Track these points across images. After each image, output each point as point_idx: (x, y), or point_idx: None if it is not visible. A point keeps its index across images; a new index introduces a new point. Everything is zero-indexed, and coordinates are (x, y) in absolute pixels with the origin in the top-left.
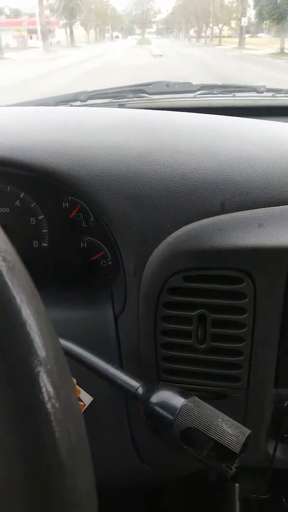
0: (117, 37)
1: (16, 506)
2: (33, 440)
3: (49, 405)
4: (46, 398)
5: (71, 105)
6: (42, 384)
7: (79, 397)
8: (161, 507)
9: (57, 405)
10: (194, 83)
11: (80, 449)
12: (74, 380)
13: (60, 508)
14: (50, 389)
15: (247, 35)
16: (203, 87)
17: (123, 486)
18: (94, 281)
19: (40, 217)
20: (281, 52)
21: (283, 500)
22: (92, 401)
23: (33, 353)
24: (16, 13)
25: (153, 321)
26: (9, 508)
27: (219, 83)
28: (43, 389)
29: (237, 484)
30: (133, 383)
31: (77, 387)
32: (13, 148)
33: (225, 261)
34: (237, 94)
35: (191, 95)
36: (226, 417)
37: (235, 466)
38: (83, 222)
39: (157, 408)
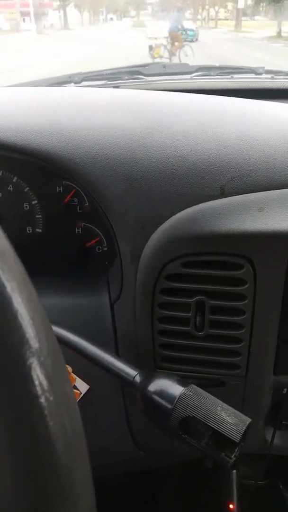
0: (111, 19)
1: (12, 503)
2: (27, 435)
3: (42, 399)
4: (40, 391)
5: (65, 87)
6: (35, 377)
7: (75, 385)
8: (159, 494)
9: (51, 398)
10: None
11: (76, 443)
12: (70, 368)
13: (57, 503)
14: (44, 382)
15: (243, 18)
16: (200, 68)
17: (121, 473)
18: (89, 268)
19: (33, 202)
20: (278, 35)
21: (280, 486)
22: (89, 389)
23: (25, 344)
24: None
25: (150, 308)
26: (5, 505)
27: (217, 64)
28: (36, 382)
29: (234, 471)
30: (130, 371)
31: (73, 375)
32: (5, 130)
33: (225, 246)
34: (235, 76)
35: (188, 76)
36: (225, 406)
37: (235, 455)
38: (78, 207)
39: (155, 397)
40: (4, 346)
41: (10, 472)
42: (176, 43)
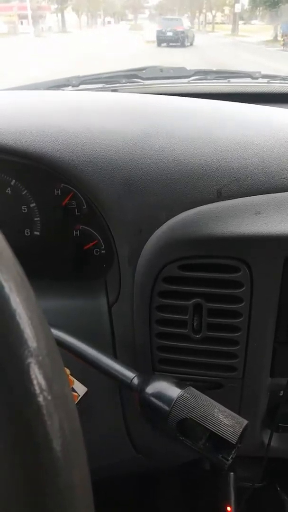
0: (109, 22)
1: (9, 504)
2: (25, 435)
3: (40, 398)
4: (38, 391)
5: (63, 90)
6: (33, 376)
7: (73, 387)
8: (156, 496)
9: (49, 397)
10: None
11: (74, 443)
12: (68, 371)
13: (55, 504)
14: (42, 381)
15: (240, 22)
16: (197, 72)
17: (119, 475)
18: (87, 270)
19: (32, 205)
20: (274, 39)
21: (278, 488)
22: (86, 391)
23: (23, 343)
24: None
25: (148, 311)
26: (2, 506)
27: (214, 69)
28: (34, 381)
29: (232, 473)
30: (128, 373)
31: (71, 377)
32: (3, 133)
33: (222, 249)
34: (232, 80)
35: (185, 80)
36: (222, 408)
37: (232, 457)
38: (76, 210)
39: (153, 399)
40: (2, 345)
41: (9, 472)
42: None
